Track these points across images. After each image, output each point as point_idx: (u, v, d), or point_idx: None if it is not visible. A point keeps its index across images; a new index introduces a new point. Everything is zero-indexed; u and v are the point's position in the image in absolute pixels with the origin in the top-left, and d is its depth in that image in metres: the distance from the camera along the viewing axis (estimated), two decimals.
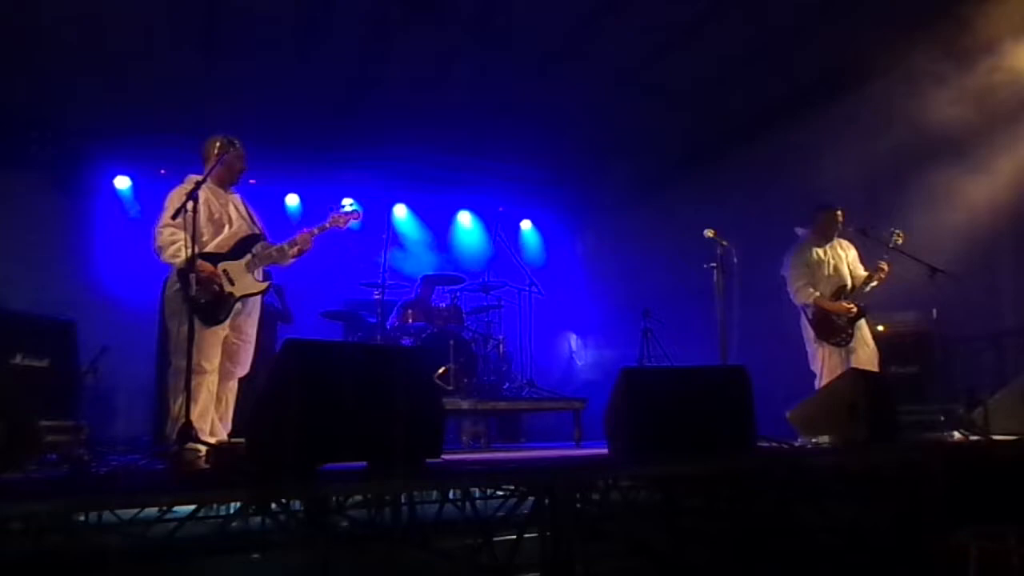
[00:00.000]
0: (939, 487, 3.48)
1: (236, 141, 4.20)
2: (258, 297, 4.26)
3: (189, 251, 3.69)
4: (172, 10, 5.66)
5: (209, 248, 4.08)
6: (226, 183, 4.30)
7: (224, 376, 4.12)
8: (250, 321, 4.24)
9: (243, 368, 4.21)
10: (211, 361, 3.96)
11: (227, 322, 4.06)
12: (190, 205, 3.73)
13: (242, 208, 4.33)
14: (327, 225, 4.45)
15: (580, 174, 8.83)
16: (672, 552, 3.09)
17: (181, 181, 4.19)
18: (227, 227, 4.18)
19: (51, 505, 2.26)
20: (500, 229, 6.98)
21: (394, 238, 8.50)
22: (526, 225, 10.03)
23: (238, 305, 4.10)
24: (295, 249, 4.29)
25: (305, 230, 4.35)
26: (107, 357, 5.94)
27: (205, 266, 3.93)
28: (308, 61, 6.37)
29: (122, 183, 7.84)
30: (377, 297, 6.30)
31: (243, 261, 4.14)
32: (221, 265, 4.05)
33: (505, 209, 7.64)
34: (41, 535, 2.53)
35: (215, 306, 3.97)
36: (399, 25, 5.98)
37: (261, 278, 4.24)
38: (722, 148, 7.56)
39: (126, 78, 6.34)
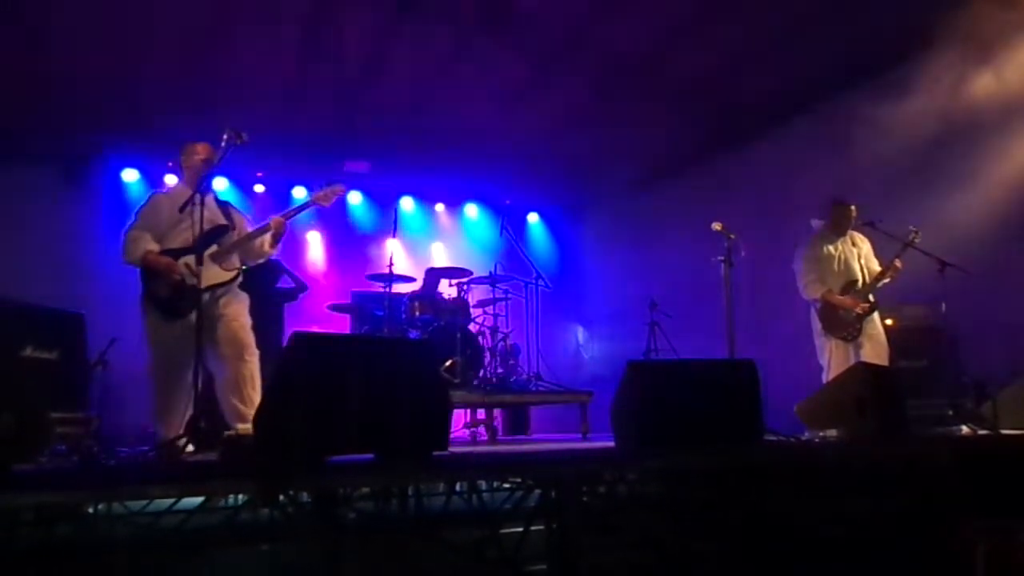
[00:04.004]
0: (947, 482, 3.47)
1: (186, 145, 4.27)
2: (230, 287, 4.20)
3: (148, 247, 3.82)
4: (180, 3, 5.66)
5: (173, 245, 4.10)
6: (198, 186, 4.20)
7: (227, 359, 4.05)
8: (232, 305, 4.16)
9: (245, 348, 4.08)
10: (177, 357, 3.92)
11: (194, 315, 3.98)
12: (196, 199, 3.78)
13: (213, 206, 4.27)
14: (311, 203, 4.41)
15: (587, 167, 8.79)
16: (679, 545, 3.09)
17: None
18: (188, 223, 4.13)
19: (61, 496, 2.27)
20: (507, 222, 6.97)
21: (401, 231, 8.51)
22: (533, 218, 10.02)
23: (206, 296, 4.04)
24: (268, 234, 4.27)
25: (279, 213, 4.33)
26: (116, 349, 5.96)
27: (160, 258, 3.93)
28: (314, 53, 6.35)
29: (130, 176, 7.87)
30: (384, 290, 6.31)
31: (206, 253, 4.10)
32: (182, 259, 4.04)
33: (512, 202, 7.62)
34: (52, 526, 2.55)
35: (177, 300, 3.96)
36: (404, 16, 5.97)
37: (230, 267, 4.20)
38: (730, 141, 7.52)
39: (134, 71, 6.34)
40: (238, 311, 4.19)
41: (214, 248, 4.16)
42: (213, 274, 4.10)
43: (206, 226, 4.14)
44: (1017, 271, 5.58)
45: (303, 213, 4.56)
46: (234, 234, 4.29)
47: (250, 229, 4.38)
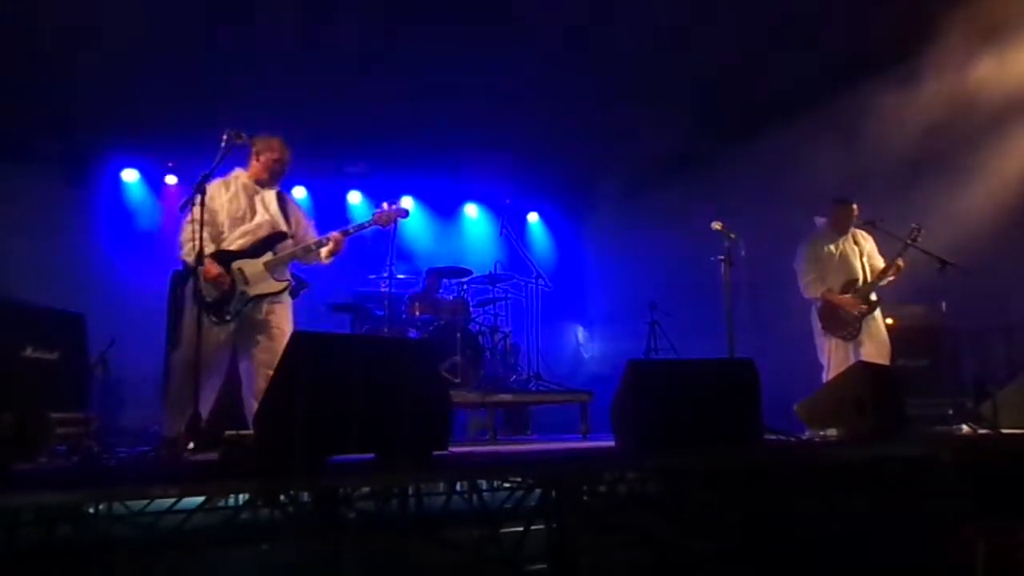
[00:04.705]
0: (947, 481, 3.47)
1: (263, 138, 4.19)
2: (279, 296, 4.18)
3: (198, 248, 3.71)
4: (179, 3, 5.66)
5: (227, 246, 4.06)
6: (263, 181, 4.25)
7: (262, 366, 4.01)
8: (277, 313, 4.15)
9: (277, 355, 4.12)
10: (208, 357, 3.87)
11: (235, 321, 3.99)
12: (197, 199, 3.75)
13: (274, 206, 4.25)
14: (368, 224, 4.41)
15: (587, 166, 8.80)
16: (679, 545, 3.09)
17: (188, 174, 4.19)
18: (248, 224, 4.14)
19: (62, 497, 2.27)
20: (507, 222, 6.97)
21: (402, 231, 8.51)
22: (533, 218, 10.02)
23: (251, 305, 4.04)
24: (326, 249, 4.25)
25: (339, 230, 4.30)
26: (116, 349, 5.97)
27: (210, 268, 3.90)
28: (313, 52, 6.35)
29: (130, 176, 7.87)
30: (384, 290, 6.32)
31: (261, 260, 4.09)
32: (236, 264, 4.01)
33: (512, 201, 7.63)
34: (52, 526, 2.55)
35: (222, 303, 3.95)
36: (404, 15, 5.97)
37: (282, 277, 4.18)
38: (730, 140, 7.52)
39: (133, 71, 6.34)
40: (282, 319, 4.16)
41: (269, 256, 4.13)
42: (265, 284, 4.08)
43: (263, 231, 4.16)
44: (1017, 270, 5.58)
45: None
46: (290, 242, 4.25)
47: (306, 223, 4.40)
